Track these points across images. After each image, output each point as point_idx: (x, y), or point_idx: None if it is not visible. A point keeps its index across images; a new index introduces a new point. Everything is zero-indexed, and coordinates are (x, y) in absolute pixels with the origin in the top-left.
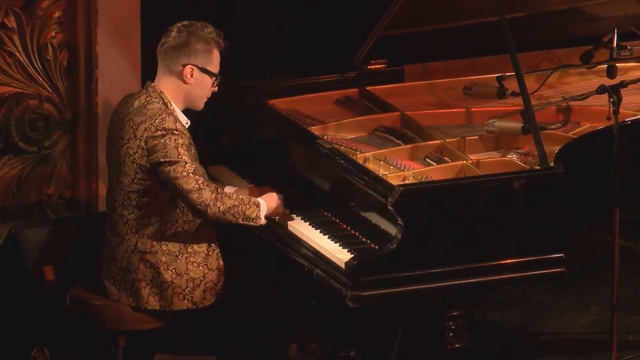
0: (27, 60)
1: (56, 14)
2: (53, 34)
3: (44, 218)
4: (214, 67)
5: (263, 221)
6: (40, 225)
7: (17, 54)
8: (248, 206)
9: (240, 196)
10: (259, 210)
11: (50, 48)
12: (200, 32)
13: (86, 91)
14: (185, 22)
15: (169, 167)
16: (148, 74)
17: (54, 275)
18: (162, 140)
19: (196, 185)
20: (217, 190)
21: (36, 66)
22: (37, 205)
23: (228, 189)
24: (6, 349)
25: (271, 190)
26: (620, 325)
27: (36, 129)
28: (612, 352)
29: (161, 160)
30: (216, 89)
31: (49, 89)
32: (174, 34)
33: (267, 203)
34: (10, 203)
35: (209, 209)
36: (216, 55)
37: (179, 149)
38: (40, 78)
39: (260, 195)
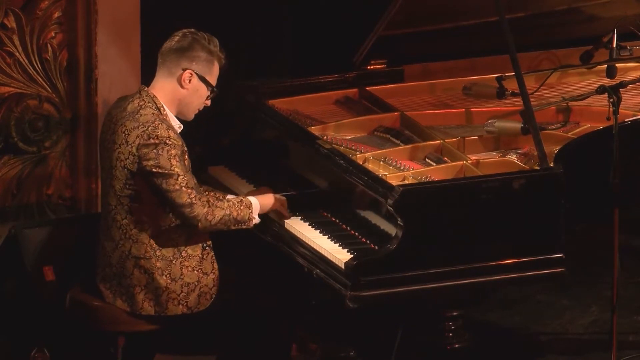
0: (26, 61)
1: (56, 14)
2: (53, 34)
3: (43, 218)
4: (212, 79)
5: (256, 220)
6: (40, 225)
7: (17, 54)
8: (240, 210)
9: (232, 200)
10: (251, 211)
11: (49, 48)
12: (205, 42)
13: (86, 91)
14: (192, 29)
15: (161, 179)
16: (148, 74)
17: (53, 276)
18: (154, 150)
19: (188, 200)
20: (209, 203)
21: (36, 66)
22: (37, 205)
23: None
24: (7, 350)
25: (270, 191)
26: (620, 325)
27: (36, 129)
28: (612, 352)
29: (153, 170)
30: (209, 102)
31: (49, 89)
32: (178, 37)
33: (261, 201)
34: (10, 203)
35: (200, 224)
36: (216, 69)
37: (172, 160)
38: (40, 78)
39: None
